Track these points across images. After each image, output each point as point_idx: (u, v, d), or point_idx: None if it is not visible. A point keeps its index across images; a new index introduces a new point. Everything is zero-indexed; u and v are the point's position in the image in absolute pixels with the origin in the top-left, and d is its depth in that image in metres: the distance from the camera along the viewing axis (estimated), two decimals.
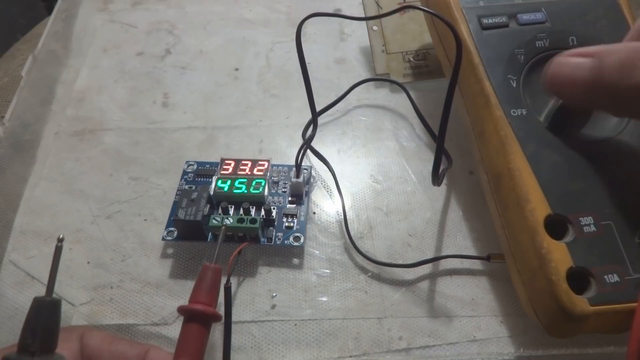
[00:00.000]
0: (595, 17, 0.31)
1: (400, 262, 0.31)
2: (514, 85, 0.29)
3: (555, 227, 0.26)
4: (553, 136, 0.28)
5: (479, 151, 0.31)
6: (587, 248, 0.25)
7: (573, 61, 0.24)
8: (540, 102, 0.29)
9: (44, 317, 0.20)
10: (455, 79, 0.26)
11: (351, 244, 0.32)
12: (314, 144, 0.36)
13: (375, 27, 0.44)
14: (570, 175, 0.27)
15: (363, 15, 0.47)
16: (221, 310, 0.29)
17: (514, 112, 0.28)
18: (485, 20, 0.31)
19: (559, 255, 0.25)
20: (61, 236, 0.21)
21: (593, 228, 0.26)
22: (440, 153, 0.28)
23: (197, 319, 0.25)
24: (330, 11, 0.49)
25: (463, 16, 0.31)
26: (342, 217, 0.33)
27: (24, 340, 0.19)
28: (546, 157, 0.27)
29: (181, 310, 0.25)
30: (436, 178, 0.29)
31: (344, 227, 0.32)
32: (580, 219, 0.26)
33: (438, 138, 0.27)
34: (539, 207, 0.26)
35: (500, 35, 0.30)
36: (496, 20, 0.31)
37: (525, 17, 0.31)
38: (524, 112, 0.28)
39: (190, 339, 0.25)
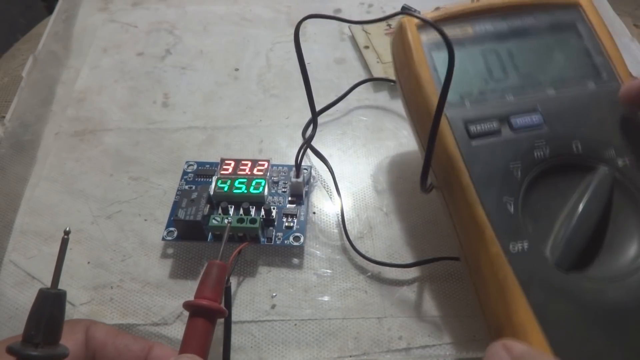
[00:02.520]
0: (600, 116, 0.26)
1: (400, 262, 0.31)
2: (512, 209, 0.24)
3: None
4: (563, 276, 0.23)
5: (476, 293, 0.26)
6: None
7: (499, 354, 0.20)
8: (544, 227, 0.24)
9: (49, 309, 0.20)
10: (445, 94, 0.23)
11: (350, 245, 0.32)
12: (314, 143, 0.36)
13: (367, 46, 0.44)
14: (587, 331, 0.21)
15: (362, 17, 0.48)
16: None
17: (514, 248, 0.23)
18: (473, 128, 0.26)
19: None
20: (67, 229, 0.21)
21: None
22: (428, 160, 0.26)
23: (202, 314, 0.25)
24: (330, 11, 0.49)
25: (447, 123, 0.26)
26: (342, 217, 0.33)
27: (28, 331, 0.19)
28: (556, 307, 0.22)
29: (187, 305, 0.25)
30: (424, 184, 0.27)
31: (342, 229, 0.32)
32: None
33: (428, 146, 0.25)
34: None
35: (491, 145, 0.26)
36: (486, 127, 0.26)
37: (519, 121, 0.26)
38: (526, 246, 0.23)
39: (195, 334, 0.25)
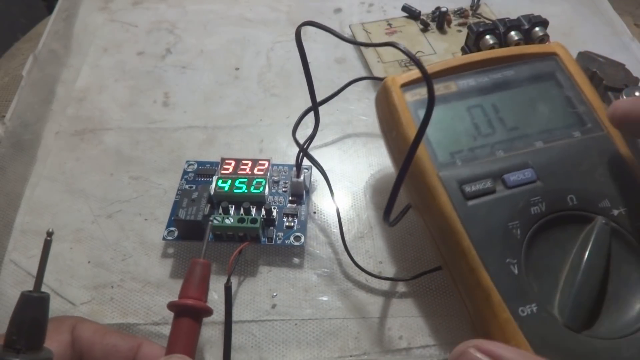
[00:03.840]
0: (591, 165, 0.26)
1: (400, 262, 0.32)
2: (516, 271, 0.24)
3: None
4: (575, 336, 0.22)
5: None
6: None
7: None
8: (549, 284, 0.24)
9: (31, 313, 0.19)
10: (421, 134, 0.23)
11: (352, 243, 0.32)
12: (315, 142, 0.36)
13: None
14: None
15: (362, 16, 0.48)
16: (222, 309, 0.29)
17: (523, 312, 0.23)
18: (468, 188, 0.25)
19: None
20: (50, 230, 0.20)
21: None
22: (395, 194, 0.25)
23: (188, 314, 0.25)
24: (331, 10, 0.49)
25: (442, 185, 0.26)
26: (343, 215, 0.33)
27: (9, 336, 0.19)
28: None
29: (171, 306, 0.25)
30: (388, 218, 0.27)
31: (340, 238, 0.32)
32: None
33: (395, 182, 0.25)
34: None
35: (488, 205, 0.25)
36: (480, 187, 0.26)
37: (512, 177, 0.26)
38: (535, 309, 0.23)
39: (182, 334, 0.24)
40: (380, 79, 0.41)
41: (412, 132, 0.27)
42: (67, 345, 0.23)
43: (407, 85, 0.28)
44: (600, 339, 0.22)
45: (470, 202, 0.25)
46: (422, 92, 0.28)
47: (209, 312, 0.26)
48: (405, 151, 0.24)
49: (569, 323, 0.23)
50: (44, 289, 0.20)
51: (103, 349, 0.24)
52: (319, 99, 0.33)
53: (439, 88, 0.29)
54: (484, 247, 0.24)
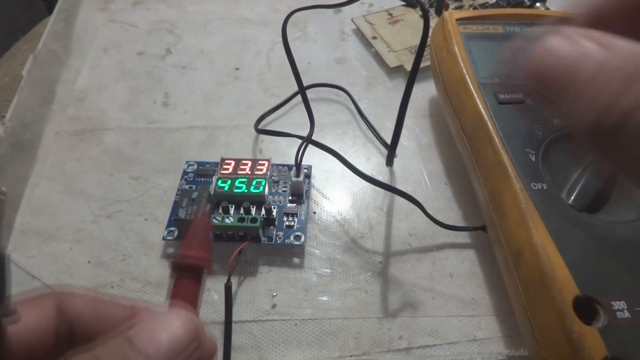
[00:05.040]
0: None
1: (400, 263, 0.32)
2: (533, 159, 0.28)
3: (584, 310, 0.23)
4: (577, 212, 0.26)
5: (496, 226, 0.29)
6: (622, 336, 0.22)
7: (583, 44, 0.15)
8: (561, 179, 0.27)
9: None
10: (420, 56, 0.28)
11: (352, 243, 0.32)
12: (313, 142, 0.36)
13: (374, 37, 0.45)
14: (598, 256, 0.25)
15: (362, 12, 0.48)
16: (222, 309, 0.29)
17: (535, 186, 0.27)
18: (501, 95, 0.31)
19: (592, 342, 0.22)
20: (3, 188, 0.20)
21: (627, 314, 0.23)
22: (397, 136, 0.32)
23: (188, 270, 0.22)
24: (331, 10, 0.49)
25: (479, 90, 0.31)
26: (343, 215, 0.33)
27: None
28: (571, 234, 0.25)
29: (173, 261, 0.22)
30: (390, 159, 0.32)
31: (340, 238, 0.32)
32: (613, 303, 0.23)
33: (396, 127, 0.30)
34: (566, 287, 0.23)
35: (517, 109, 0.30)
36: (512, 96, 0.31)
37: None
38: (545, 187, 0.27)
39: (184, 288, 0.22)
40: (337, 87, 0.41)
41: (461, 51, 0.33)
42: (51, 319, 0.22)
43: (460, 20, 0.35)
44: (599, 220, 0.26)
45: (502, 106, 0.30)
46: (470, 27, 0.35)
47: (207, 262, 0.23)
48: (453, 65, 0.33)
49: (574, 205, 0.26)
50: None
51: (96, 318, 0.22)
52: (317, 98, 0.33)
53: (488, 28, 0.35)
54: (507, 137, 0.29)
